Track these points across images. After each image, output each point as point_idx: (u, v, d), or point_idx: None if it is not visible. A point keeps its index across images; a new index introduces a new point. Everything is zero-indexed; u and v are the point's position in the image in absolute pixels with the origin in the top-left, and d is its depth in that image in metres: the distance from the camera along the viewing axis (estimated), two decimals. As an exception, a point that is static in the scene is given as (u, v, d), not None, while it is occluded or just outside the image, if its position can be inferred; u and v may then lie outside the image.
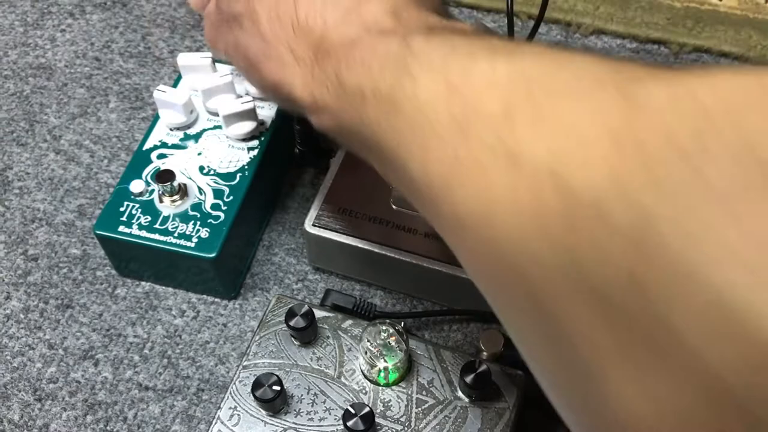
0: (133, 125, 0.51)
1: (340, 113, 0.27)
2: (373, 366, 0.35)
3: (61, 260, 0.45)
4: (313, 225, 0.41)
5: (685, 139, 0.16)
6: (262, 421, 0.35)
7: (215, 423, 0.35)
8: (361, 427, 0.33)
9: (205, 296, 0.44)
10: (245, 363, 0.37)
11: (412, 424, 0.35)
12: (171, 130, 0.44)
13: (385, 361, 0.35)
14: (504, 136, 0.20)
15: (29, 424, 0.39)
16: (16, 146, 0.50)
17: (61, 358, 0.41)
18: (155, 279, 0.44)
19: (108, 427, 0.39)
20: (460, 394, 0.35)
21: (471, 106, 0.21)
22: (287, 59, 0.29)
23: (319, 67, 0.27)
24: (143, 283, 0.44)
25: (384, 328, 0.35)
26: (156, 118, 0.45)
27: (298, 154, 0.45)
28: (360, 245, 0.41)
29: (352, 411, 0.33)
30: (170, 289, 0.44)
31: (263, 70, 0.30)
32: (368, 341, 0.35)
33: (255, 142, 0.44)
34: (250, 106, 0.42)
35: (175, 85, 0.46)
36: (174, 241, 0.40)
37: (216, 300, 0.43)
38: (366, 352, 0.35)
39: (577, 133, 0.18)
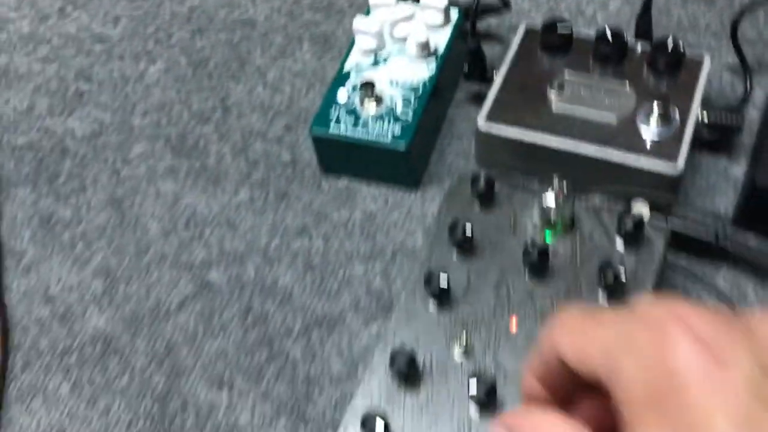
0: (324, 63, 0.62)
1: None
2: (546, 218, 0.43)
3: (275, 163, 0.56)
4: (486, 121, 0.50)
5: None
6: (453, 261, 0.44)
7: (418, 264, 0.44)
8: (536, 258, 0.41)
9: (392, 188, 0.53)
10: (438, 222, 0.45)
11: (577, 264, 0.43)
12: (364, 54, 0.54)
13: (557, 212, 0.43)
14: None
15: (262, 280, 0.50)
16: (232, 82, 0.62)
17: (282, 233, 0.52)
18: (352, 174, 0.54)
19: (324, 282, 0.49)
20: (617, 240, 0.43)
21: None
22: None
23: None
24: (343, 178, 0.54)
25: (557, 185, 0.43)
26: (351, 44, 0.55)
27: (467, 71, 0.54)
28: (525, 139, 0.49)
29: (531, 245, 0.41)
30: (364, 184, 0.54)
31: None
32: (546, 197, 0.43)
33: (432, 60, 0.53)
34: (425, 36, 0.52)
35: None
36: (373, 137, 0.50)
37: (401, 191, 0.53)
38: (541, 206, 0.43)
39: None
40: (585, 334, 0.27)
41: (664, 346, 0.23)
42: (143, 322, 0.49)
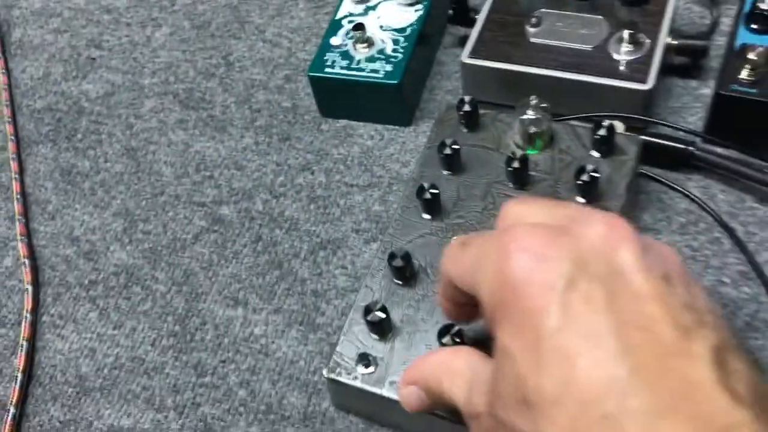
0: (318, 18, 0.66)
1: None
2: (526, 134, 0.47)
3: (277, 110, 0.60)
4: (469, 56, 0.54)
5: None
6: (444, 178, 0.48)
7: (411, 182, 0.48)
8: (518, 165, 0.45)
9: (387, 125, 0.57)
10: (428, 144, 0.49)
11: (556, 173, 0.47)
12: (355, 3, 0.58)
13: (535, 126, 0.47)
14: None
15: (270, 212, 0.54)
16: (233, 39, 0.66)
17: (286, 171, 0.56)
18: (349, 115, 0.58)
19: (327, 211, 0.53)
20: (592, 151, 0.47)
21: None
22: None
23: None
24: (340, 120, 0.58)
25: (534, 102, 0.47)
26: (343, -4, 0.59)
27: (452, 14, 0.58)
28: (508, 68, 0.53)
29: (513, 155, 0.45)
30: (361, 123, 0.58)
31: None
32: (525, 114, 0.47)
33: (419, 6, 0.57)
34: (415, -24, 0.56)
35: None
36: (366, 75, 0.54)
37: (396, 128, 0.57)
38: (522, 123, 0.47)
39: None
40: (459, 258, 0.32)
41: (501, 260, 0.28)
42: (162, 254, 0.53)
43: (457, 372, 0.33)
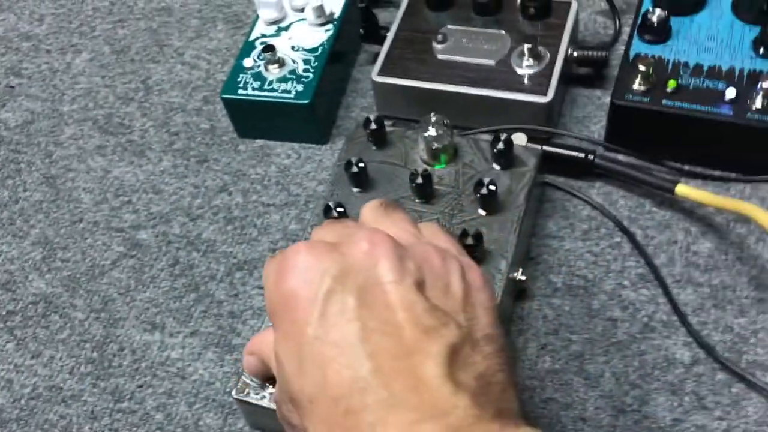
0: (236, 39, 0.66)
1: None
2: (429, 150, 0.48)
3: (195, 132, 0.60)
4: (378, 74, 0.55)
5: None
6: (353, 195, 0.49)
7: (320, 201, 0.49)
8: (421, 181, 0.46)
9: (304, 144, 0.58)
10: (338, 163, 0.51)
11: (460, 186, 0.48)
12: (267, 24, 0.59)
13: (438, 143, 0.48)
14: None
15: (187, 235, 0.54)
16: (152, 63, 0.66)
17: (204, 192, 0.57)
18: (266, 135, 0.58)
19: (244, 231, 0.54)
20: (494, 165, 0.48)
21: None
22: None
23: None
24: (258, 140, 0.59)
25: (435, 119, 0.48)
26: (256, 18, 0.60)
27: (363, 33, 0.59)
28: (416, 85, 0.54)
29: (416, 172, 0.46)
30: (278, 142, 0.58)
31: None
32: (427, 131, 0.48)
33: (330, 26, 0.58)
34: (319, 1, 0.57)
35: (267, -5, 0.61)
36: (278, 95, 0.55)
37: (312, 146, 0.58)
38: (425, 139, 0.48)
39: None
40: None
41: (278, 276, 0.31)
42: (80, 281, 0.53)
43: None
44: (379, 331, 0.28)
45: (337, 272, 0.30)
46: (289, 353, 0.30)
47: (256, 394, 0.41)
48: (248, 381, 0.42)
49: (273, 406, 0.41)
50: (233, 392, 0.42)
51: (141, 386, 0.48)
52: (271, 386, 0.41)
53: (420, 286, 0.30)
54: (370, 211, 0.36)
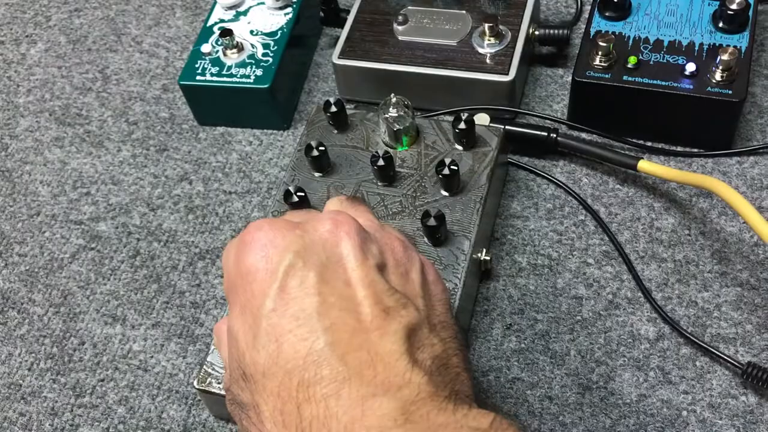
0: (195, 26, 0.65)
1: None
2: (391, 132, 0.48)
3: (155, 121, 0.59)
4: (339, 57, 0.54)
5: None
6: (314, 180, 0.48)
7: (281, 186, 0.48)
8: (383, 163, 0.45)
9: (265, 130, 0.57)
10: (298, 147, 0.50)
11: (422, 168, 0.47)
12: (225, 9, 0.58)
13: (399, 124, 0.47)
14: None
15: (147, 225, 0.53)
16: (110, 52, 0.65)
17: (164, 182, 0.56)
18: (226, 122, 0.57)
19: (206, 220, 0.53)
20: (456, 145, 0.48)
21: None
22: None
23: None
24: (218, 127, 0.58)
25: (395, 100, 0.48)
26: (214, 3, 0.59)
27: (323, 16, 0.58)
28: (377, 66, 0.54)
29: (377, 154, 0.46)
30: (239, 129, 0.58)
31: None
32: (388, 112, 0.47)
33: (289, 9, 0.57)
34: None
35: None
36: (237, 80, 0.54)
37: (274, 132, 0.57)
38: (386, 121, 0.48)
39: None
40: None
41: (238, 251, 0.31)
42: (38, 276, 0.52)
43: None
44: (338, 306, 0.28)
45: (299, 248, 0.30)
46: (244, 326, 0.30)
47: (219, 383, 0.41)
48: (210, 371, 0.41)
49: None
50: (195, 382, 0.41)
51: (102, 380, 0.47)
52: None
53: (381, 268, 0.30)
54: (334, 204, 0.36)
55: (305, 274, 0.29)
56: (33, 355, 0.48)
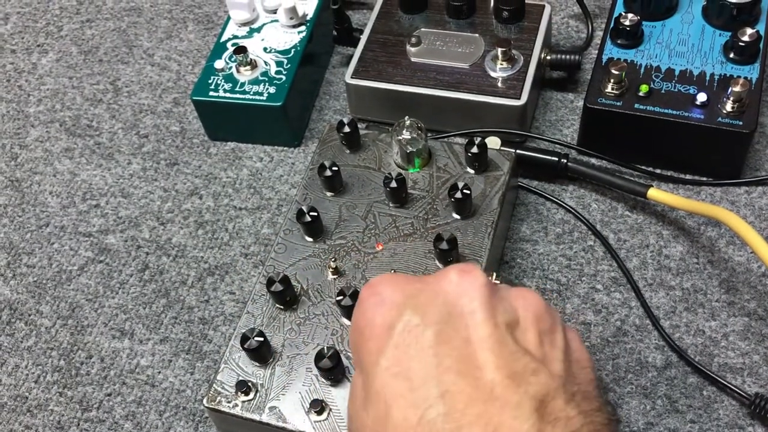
0: (207, 41, 0.65)
1: None
2: (404, 153, 0.48)
3: (165, 135, 0.59)
4: (352, 77, 0.55)
5: None
6: (326, 199, 0.48)
7: (293, 204, 0.48)
8: (395, 185, 0.46)
9: (276, 147, 0.57)
10: (311, 166, 0.50)
11: (434, 190, 0.48)
12: (239, 26, 0.59)
13: (411, 146, 0.48)
14: None
15: (156, 239, 0.53)
16: (121, 64, 0.65)
17: (174, 196, 0.56)
18: (237, 138, 0.58)
19: (215, 236, 0.53)
20: (468, 168, 0.48)
21: None
22: None
23: None
24: (229, 143, 0.58)
25: (409, 123, 0.48)
26: (227, 20, 0.59)
27: (336, 35, 0.59)
28: (389, 87, 0.54)
29: (390, 176, 0.46)
30: (249, 145, 0.58)
31: None
32: (401, 134, 0.48)
33: (302, 27, 0.58)
34: (292, 2, 0.57)
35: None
36: (250, 97, 0.54)
37: (285, 148, 0.57)
38: (399, 143, 0.48)
39: None
40: None
41: (358, 306, 0.30)
42: (46, 287, 0.52)
43: None
44: (454, 370, 0.26)
45: (418, 302, 0.28)
46: (358, 385, 0.28)
47: (228, 402, 0.41)
48: (219, 389, 0.41)
49: (245, 414, 0.40)
50: (205, 401, 0.41)
51: (110, 394, 0.47)
52: (242, 395, 0.40)
53: (512, 327, 0.27)
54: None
55: (422, 331, 0.27)
56: (40, 367, 0.48)
